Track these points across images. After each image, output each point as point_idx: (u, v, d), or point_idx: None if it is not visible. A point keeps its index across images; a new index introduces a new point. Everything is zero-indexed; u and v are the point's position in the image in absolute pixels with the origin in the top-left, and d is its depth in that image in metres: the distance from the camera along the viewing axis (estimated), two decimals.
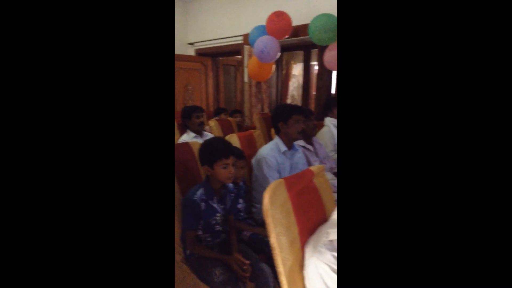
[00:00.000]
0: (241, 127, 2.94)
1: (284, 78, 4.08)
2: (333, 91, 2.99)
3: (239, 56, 3.39)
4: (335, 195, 1.09)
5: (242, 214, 1.47)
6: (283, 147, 1.52)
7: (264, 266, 1.17)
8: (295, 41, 2.71)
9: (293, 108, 1.54)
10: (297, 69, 4.43)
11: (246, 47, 3.17)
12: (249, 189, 1.60)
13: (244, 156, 1.47)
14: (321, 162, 1.85)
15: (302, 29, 2.35)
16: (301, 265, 0.80)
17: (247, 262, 1.10)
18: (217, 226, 1.22)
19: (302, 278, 0.79)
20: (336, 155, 2.04)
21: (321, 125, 2.29)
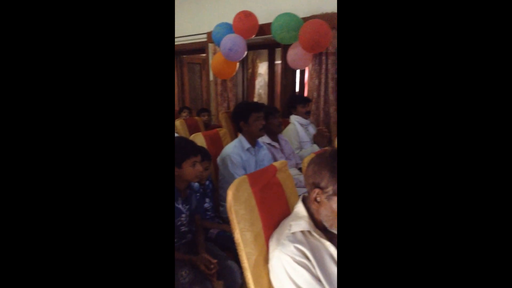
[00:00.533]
0: (208, 126, 2.90)
1: (250, 76, 4.11)
2: (297, 89, 3.07)
3: (204, 54, 3.35)
4: (299, 190, 1.12)
5: (209, 213, 1.46)
6: (247, 145, 1.53)
7: (232, 263, 1.17)
8: (260, 40, 2.73)
9: (251, 106, 1.56)
10: (263, 68, 4.48)
11: (211, 45, 3.13)
12: (216, 188, 1.59)
13: (209, 156, 1.45)
14: (286, 159, 1.89)
15: (266, 28, 2.37)
16: (266, 259, 0.81)
17: (214, 261, 1.10)
18: (183, 227, 1.20)
19: (268, 272, 0.80)
20: (301, 151, 2.10)
21: (287, 123, 2.34)
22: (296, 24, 2.15)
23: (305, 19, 2.18)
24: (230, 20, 2.56)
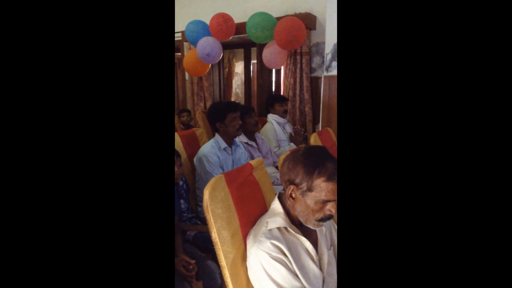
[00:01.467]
0: (189, 126, 2.86)
1: (227, 76, 4.08)
2: (273, 88, 3.10)
3: (179, 53, 3.29)
4: (277, 187, 1.13)
5: (185, 214, 1.44)
6: (224, 144, 1.53)
7: (211, 263, 1.16)
8: (236, 39, 2.73)
9: (227, 106, 1.55)
10: (239, 67, 4.47)
11: (186, 44, 3.08)
12: (193, 189, 1.57)
13: (178, 153, 1.43)
14: (264, 157, 1.91)
15: (242, 27, 2.38)
16: (244, 257, 0.82)
17: (193, 261, 1.08)
18: None
19: (246, 270, 0.81)
20: (279, 150, 2.13)
21: (264, 121, 2.36)
22: (270, 23, 2.17)
23: (279, 19, 2.21)
24: (203, 18, 2.53)
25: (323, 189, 0.73)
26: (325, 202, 0.75)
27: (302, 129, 2.22)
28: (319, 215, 0.76)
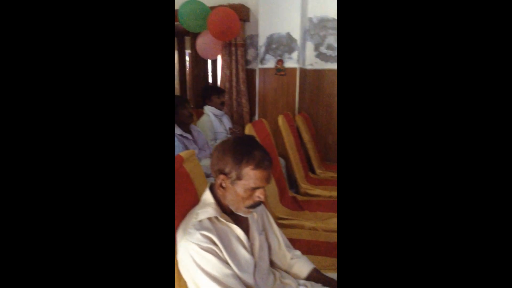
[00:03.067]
0: None
1: None
2: (210, 79, 3.04)
3: None
4: (209, 179, 1.12)
5: None
6: None
7: None
8: None
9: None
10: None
11: None
12: None
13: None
14: (200, 150, 1.87)
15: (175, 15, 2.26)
16: (174, 251, 0.79)
17: None
18: None
19: (176, 264, 0.79)
20: (216, 142, 2.11)
21: (201, 113, 2.31)
22: (203, 12, 2.11)
23: (212, 9, 2.16)
24: None
25: (251, 176, 0.75)
26: (254, 189, 0.77)
27: (237, 129, 2.23)
28: (249, 202, 0.78)
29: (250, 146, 0.78)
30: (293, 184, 2.02)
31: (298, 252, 0.97)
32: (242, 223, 0.83)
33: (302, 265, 0.93)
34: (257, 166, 0.75)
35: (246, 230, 0.84)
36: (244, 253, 0.80)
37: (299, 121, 2.25)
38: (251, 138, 0.82)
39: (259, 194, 0.78)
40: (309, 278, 0.91)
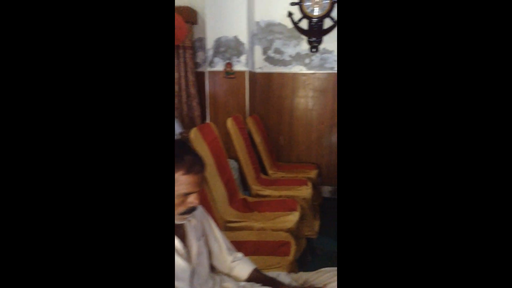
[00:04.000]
0: None
1: None
2: None
3: None
4: None
5: None
6: None
7: None
8: None
9: None
10: None
11: None
12: None
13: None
14: None
15: None
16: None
17: None
18: None
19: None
20: None
21: None
22: None
23: None
24: None
25: (182, 182, 0.74)
26: (186, 195, 0.76)
27: (188, 133, 2.20)
28: (182, 209, 0.77)
29: (180, 151, 0.76)
30: (247, 186, 2.04)
31: (239, 255, 0.98)
32: (177, 230, 0.82)
33: (242, 267, 0.94)
34: (188, 171, 0.74)
35: (182, 237, 0.82)
36: (179, 262, 0.78)
37: (250, 123, 2.28)
38: (181, 142, 0.81)
39: (192, 200, 0.77)
40: (250, 279, 0.92)
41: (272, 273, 0.96)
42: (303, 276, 0.99)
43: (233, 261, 0.95)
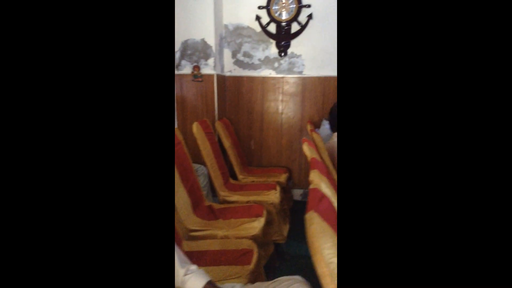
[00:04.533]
0: None
1: None
2: None
3: None
4: None
5: None
6: None
7: None
8: None
9: None
10: None
11: None
12: None
13: None
14: None
15: None
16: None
17: None
18: None
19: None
20: None
21: None
22: None
23: None
24: None
25: None
26: None
27: None
28: None
29: None
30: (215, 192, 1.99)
31: (193, 267, 0.93)
32: None
33: (195, 280, 0.90)
34: None
35: None
36: None
37: (219, 127, 2.24)
38: None
39: None
40: None
41: (227, 285, 0.92)
42: (261, 286, 0.96)
43: (186, 274, 0.90)
